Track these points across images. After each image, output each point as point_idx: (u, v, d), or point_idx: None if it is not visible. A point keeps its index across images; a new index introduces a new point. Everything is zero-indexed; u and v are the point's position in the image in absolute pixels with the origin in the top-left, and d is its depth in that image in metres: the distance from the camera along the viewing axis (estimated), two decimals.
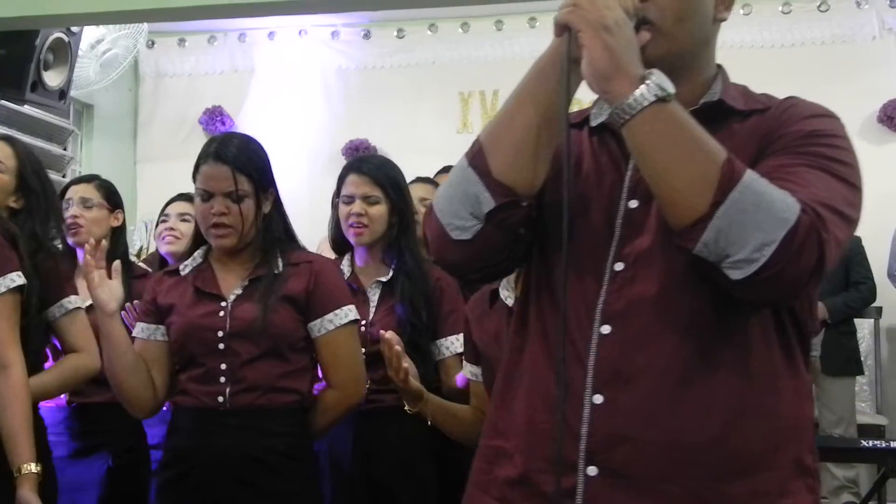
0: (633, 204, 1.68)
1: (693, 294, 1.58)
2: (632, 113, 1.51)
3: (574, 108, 1.73)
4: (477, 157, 1.66)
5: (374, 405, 3.21)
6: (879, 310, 7.04)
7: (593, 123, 1.79)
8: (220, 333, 2.91)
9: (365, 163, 3.48)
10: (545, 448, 1.62)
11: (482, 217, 1.63)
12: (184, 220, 4.27)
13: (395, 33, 8.34)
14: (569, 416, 1.61)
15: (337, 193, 3.46)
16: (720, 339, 1.60)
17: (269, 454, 2.87)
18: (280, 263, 3.00)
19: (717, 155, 1.49)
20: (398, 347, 2.80)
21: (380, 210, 3.36)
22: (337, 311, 2.99)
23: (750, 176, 1.48)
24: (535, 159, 1.63)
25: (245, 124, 8.39)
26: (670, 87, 1.51)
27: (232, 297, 2.96)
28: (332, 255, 3.58)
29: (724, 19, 1.79)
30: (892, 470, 4.04)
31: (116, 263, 3.03)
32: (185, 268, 3.08)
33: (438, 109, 8.01)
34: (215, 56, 8.73)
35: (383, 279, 3.37)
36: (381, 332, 2.90)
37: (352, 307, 3.03)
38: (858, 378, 6.86)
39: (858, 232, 6.28)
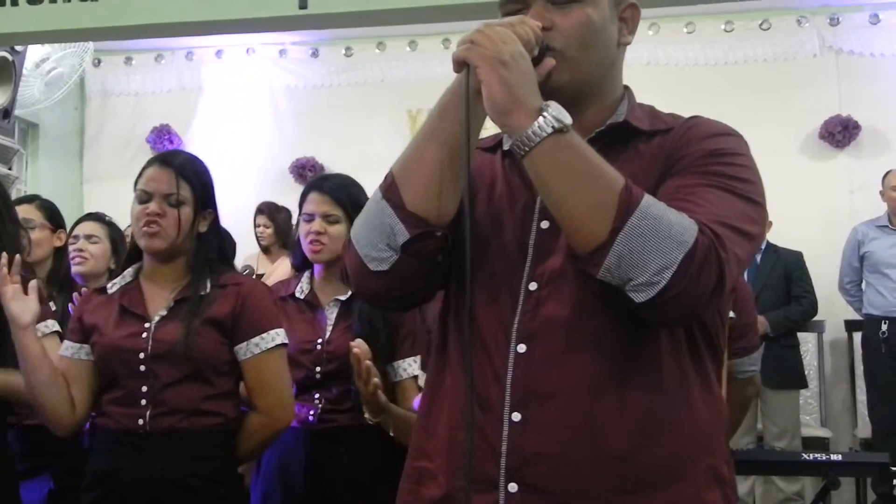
0: (545, 224, 1.71)
1: (604, 312, 1.62)
2: (531, 145, 1.54)
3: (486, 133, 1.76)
4: (390, 189, 1.68)
5: (327, 424, 3.20)
6: (823, 324, 7.15)
7: (506, 146, 1.82)
8: (142, 355, 2.87)
9: (327, 181, 3.48)
10: (467, 468, 1.62)
11: (398, 248, 1.66)
12: (93, 242, 4.24)
13: (344, 52, 8.37)
14: (489, 434, 1.65)
15: (300, 211, 3.47)
16: (631, 354, 1.63)
17: (191, 477, 2.84)
18: (208, 285, 2.97)
19: (615, 182, 1.53)
20: (368, 362, 2.79)
21: (339, 229, 3.34)
22: (264, 335, 2.95)
23: (647, 201, 1.52)
24: (445, 191, 1.66)
25: (193, 142, 8.37)
26: (567, 119, 1.54)
27: (156, 319, 2.93)
28: (264, 268, 3.57)
29: (628, 43, 1.82)
30: (833, 482, 4.08)
31: (34, 282, 3.01)
32: (113, 286, 3.04)
33: (387, 127, 8.02)
34: (162, 74, 8.72)
35: (342, 298, 3.36)
36: (352, 343, 2.87)
37: (280, 331, 3.00)
38: (803, 391, 6.95)
39: (800, 247, 6.33)
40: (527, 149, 1.54)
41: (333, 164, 7.96)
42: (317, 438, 3.21)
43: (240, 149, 8.27)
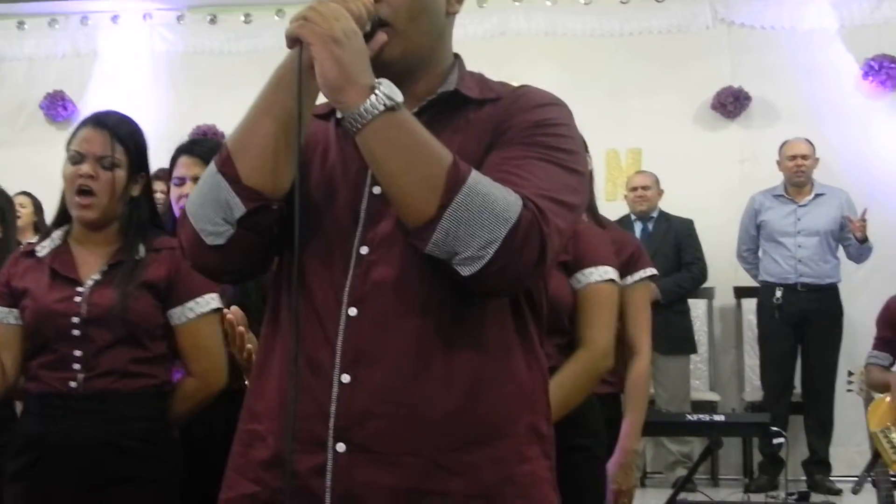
0: (377, 190, 1.72)
1: (431, 277, 1.65)
2: (363, 122, 1.57)
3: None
4: (226, 163, 1.68)
5: None
6: (713, 290, 7.34)
7: (339, 115, 1.81)
8: (76, 319, 2.85)
9: (197, 145, 3.44)
10: (297, 429, 1.65)
11: (234, 222, 1.67)
12: None
13: (243, 18, 8.31)
14: (318, 396, 1.67)
15: (169, 176, 3.43)
16: (457, 319, 1.68)
17: (125, 439, 2.84)
18: (142, 249, 2.95)
19: (444, 159, 1.57)
20: (242, 328, 2.78)
21: None
22: (198, 300, 2.95)
23: (474, 177, 1.57)
24: (280, 164, 1.67)
25: (88, 109, 8.19)
26: (398, 97, 1.57)
27: (90, 283, 2.90)
28: None
29: (457, 12, 1.85)
30: (716, 442, 4.22)
31: None
32: (43, 249, 2.99)
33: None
34: (56, 39, 8.56)
35: None
36: (226, 310, 2.87)
37: (215, 295, 2.99)
38: (693, 356, 7.15)
39: (691, 215, 6.48)
40: (359, 126, 1.58)
41: None
42: None
43: (137, 115, 8.05)
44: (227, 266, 1.75)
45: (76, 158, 2.90)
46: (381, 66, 1.64)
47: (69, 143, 2.95)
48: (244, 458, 1.79)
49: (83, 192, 2.88)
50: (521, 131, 1.71)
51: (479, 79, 1.86)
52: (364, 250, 1.71)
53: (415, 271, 1.66)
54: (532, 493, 1.74)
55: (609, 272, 3.09)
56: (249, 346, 2.76)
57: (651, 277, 3.52)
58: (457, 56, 1.88)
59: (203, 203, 1.70)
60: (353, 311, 1.69)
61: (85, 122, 2.97)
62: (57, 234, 3.01)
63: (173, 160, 3.40)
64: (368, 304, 1.68)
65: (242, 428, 1.83)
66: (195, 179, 3.29)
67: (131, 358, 2.87)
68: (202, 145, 3.44)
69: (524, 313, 1.77)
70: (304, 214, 1.65)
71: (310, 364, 1.69)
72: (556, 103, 1.80)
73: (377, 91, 1.57)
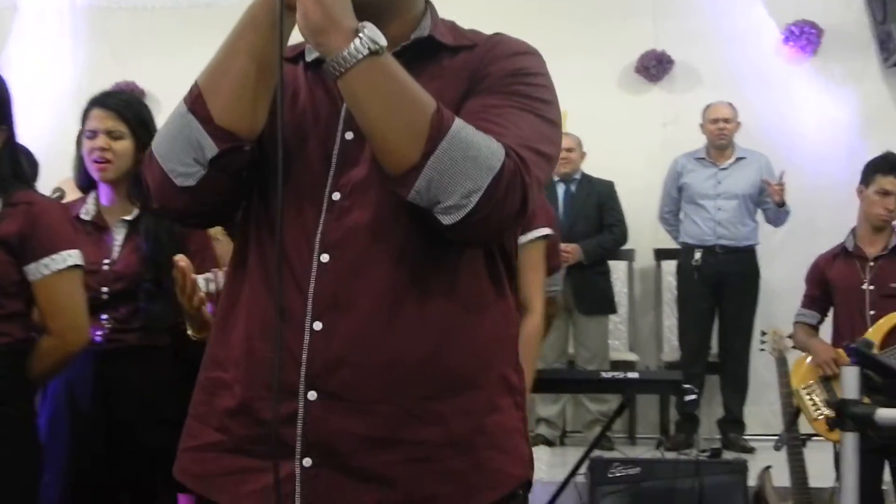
0: (349, 136, 1.71)
1: (406, 223, 1.64)
2: (346, 66, 1.53)
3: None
4: (196, 102, 1.66)
5: (115, 344, 3.20)
6: (633, 252, 7.42)
7: (308, 59, 1.81)
8: None
9: (110, 97, 3.40)
10: (265, 376, 1.65)
11: (206, 163, 1.65)
12: None
13: None
14: (290, 343, 1.65)
15: (82, 128, 3.39)
16: (431, 266, 1.68)
17: None
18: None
19: (428, 106, 1.55)
20: (195, 276, 2.75)
21: (124, 146, 3.29)
22: (55, 256, 2.87)
23: (458, 125, 1.55)
24: (254, 104, 1.65)
25: (7, 64, 8.10)
26: (382, 41, 1.54)
27: None
28: (76, 193, 3.51)
29: None
30: (629, 399, 4.28)
31: None
32: None
33: (212, 55, 7.87)
34: None
35: (128, 218, 3.32)
36: (176, 257, 2.83)
37: (73, 252, 2.92)
38: (613, 317, 7.24)
39: (613, 177, 6.50)
40: (342, 70, 1.54)
41: (157, 91, 7.79)
42: (105, 359, 3.20)
43: (57, 70, 8.05)
44: (196, 208, 1.72)
45: None
46: (353, 9, 1.60)
47: None
48: (208, 407, 1.78)
49: None
50: (498, 79, 1.71)
51: (452, 26, 1.86)
52: (336, 196, 1.69)
53: (388, 218, 1.66)
54: (503, 444, 1.76)
55: None
56: (200, 294, 2.69)
57: (545, 237, 3.52)
58: (428, 2, 1.86)
59: (172, 144, 1.67)
60: (324, 258, 1.67)
61: None
62: None
63: (85, 113, 3.36)
64: (341, 251, 1.67)
65: (205, 375, 1.81)
66: (108, 132, 3.26)
67: None
68: (115, 97, 3.39)
69: (496, 261, 1.77)
70: (280, 159, 1.61)
71: (280, 312, 1.66)
72: (532, 52, 1.80)
73: (361, 34, 1.54)
